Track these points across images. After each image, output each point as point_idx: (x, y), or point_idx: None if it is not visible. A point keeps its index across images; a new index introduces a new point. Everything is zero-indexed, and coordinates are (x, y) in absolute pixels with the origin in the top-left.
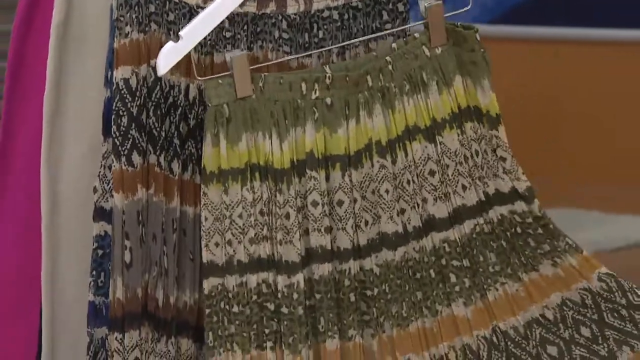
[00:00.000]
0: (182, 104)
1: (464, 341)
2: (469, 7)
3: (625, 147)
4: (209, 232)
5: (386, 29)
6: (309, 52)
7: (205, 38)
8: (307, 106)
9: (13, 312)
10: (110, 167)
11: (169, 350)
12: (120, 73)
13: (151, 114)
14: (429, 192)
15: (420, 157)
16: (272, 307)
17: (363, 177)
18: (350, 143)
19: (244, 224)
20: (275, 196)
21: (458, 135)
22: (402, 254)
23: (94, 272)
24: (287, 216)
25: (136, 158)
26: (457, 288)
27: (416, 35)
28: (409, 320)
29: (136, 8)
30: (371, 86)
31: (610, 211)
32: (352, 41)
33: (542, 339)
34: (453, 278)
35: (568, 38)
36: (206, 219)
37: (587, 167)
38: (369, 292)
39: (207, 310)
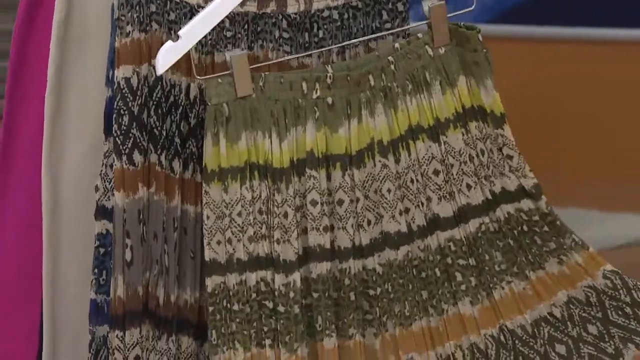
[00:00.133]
0: (183, 103)
1: (471, 340)
2: (473, 7)
3: (625, 147)
4: (210, 231)
5: (386, 29)
6: (309, 52)
7: (205, 37)
8: (308, 105)
9: (13, 311)
10: (111, 166)
11: (170, 348)
12: (122, 72)
13: (152, 113)
14: (434, 192)
15: (424, 157)
16: (270, 305)
17: (366, 177)
18: (351, 142)
19: (243, 223)
20: (274, 195)
21: (462, 135)
22: (405, 253)
23: (96, 270)
24: (285, 215)
25: (137, 157)
26: (463, 287)
27: (419, 35)
28: (412, 320)
29: (137, 7)
30: (373, 86)
31: (610, 210)
32: (352, 41)
33: (551, 338)
34: (459, 277)
35: (568, 38)
36: (208, 217)
37: (587, 166)
38: (371, 292)
39: (211, 308)
